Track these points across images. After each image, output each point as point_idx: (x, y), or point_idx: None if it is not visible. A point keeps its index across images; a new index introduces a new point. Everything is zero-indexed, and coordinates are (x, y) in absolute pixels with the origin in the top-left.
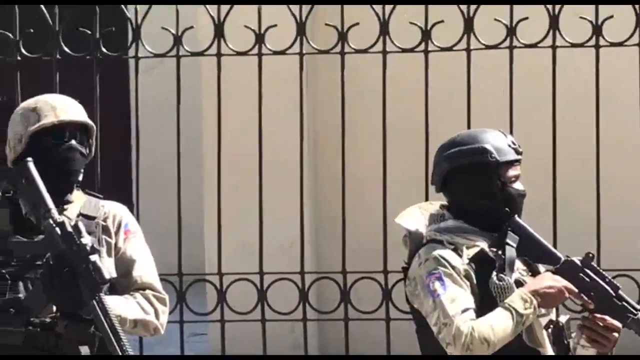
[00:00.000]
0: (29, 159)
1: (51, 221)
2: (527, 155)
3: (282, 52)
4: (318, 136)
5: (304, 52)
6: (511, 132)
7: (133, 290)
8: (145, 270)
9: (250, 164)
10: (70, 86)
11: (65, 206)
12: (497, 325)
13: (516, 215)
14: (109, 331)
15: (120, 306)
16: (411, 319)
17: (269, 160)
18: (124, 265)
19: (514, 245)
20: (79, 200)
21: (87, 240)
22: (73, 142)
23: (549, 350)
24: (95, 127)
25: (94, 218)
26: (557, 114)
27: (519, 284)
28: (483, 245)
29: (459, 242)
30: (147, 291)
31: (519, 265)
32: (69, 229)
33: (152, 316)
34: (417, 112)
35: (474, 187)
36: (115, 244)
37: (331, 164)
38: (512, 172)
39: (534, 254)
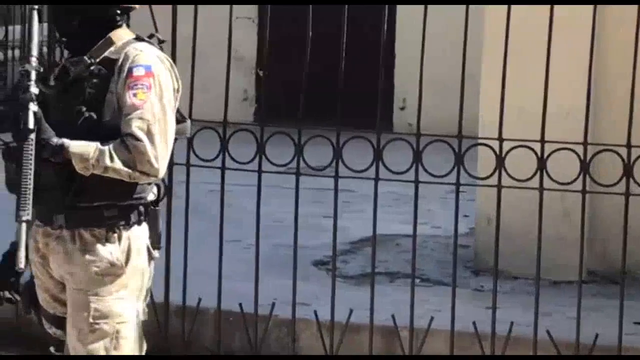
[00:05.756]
0: (35, 6)
1: (21, 69)
2: None
3: None
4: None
5: None
6: None
7: (121, 136)
8: (132, 116)
9: (536, 27)
10: None
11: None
12: None
13: None
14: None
15: (84, 151)
16: None
17: (557, 24)
18: (122, 109)
19: None
20: (116, 44)
21: (32, 89)
22: None
23: None
24: None
25: (114, 61)
26: None
27: None
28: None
29: None
30: (128, 138)
31: None
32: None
33: (120, 164)
34: None
35: None
36: (117, 87)
37: (617, 31)
38: None
39: None
